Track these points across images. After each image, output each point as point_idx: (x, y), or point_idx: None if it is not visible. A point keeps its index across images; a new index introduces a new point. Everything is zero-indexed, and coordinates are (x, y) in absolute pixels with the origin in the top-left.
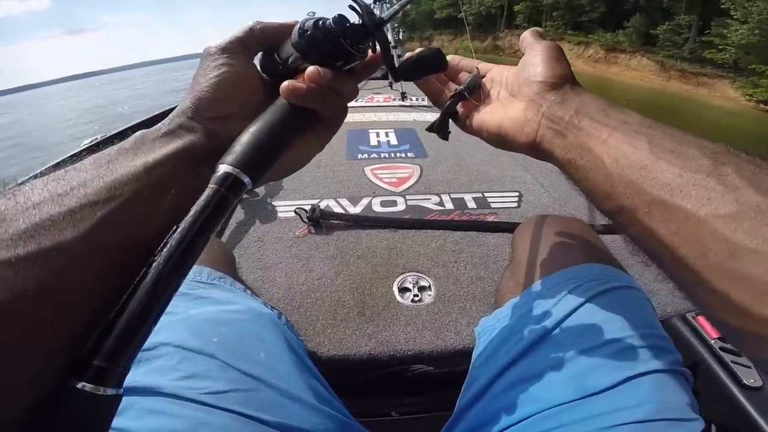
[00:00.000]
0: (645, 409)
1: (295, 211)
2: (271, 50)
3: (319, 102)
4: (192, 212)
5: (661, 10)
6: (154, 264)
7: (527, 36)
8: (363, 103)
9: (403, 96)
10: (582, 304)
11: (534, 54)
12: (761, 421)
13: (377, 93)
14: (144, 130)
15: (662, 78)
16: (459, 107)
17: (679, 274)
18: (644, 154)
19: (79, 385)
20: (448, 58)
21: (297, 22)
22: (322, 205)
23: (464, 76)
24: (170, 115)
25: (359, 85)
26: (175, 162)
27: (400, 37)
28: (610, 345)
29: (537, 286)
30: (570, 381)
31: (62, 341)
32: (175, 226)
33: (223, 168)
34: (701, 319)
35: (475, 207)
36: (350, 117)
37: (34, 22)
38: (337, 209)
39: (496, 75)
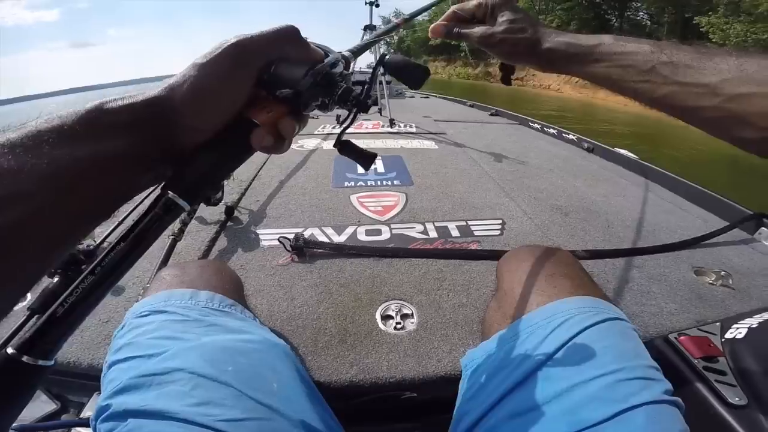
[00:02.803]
0: None
1: (278, 240)
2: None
3: (274, 148)
4: (135, 228)
5: (644, 34)
6: (99, 265)
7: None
8: (351, 130)
9: (392, 123)
10: (571, 338)
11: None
12: None
13: (366, 119)
14: (104, 105)
15: None
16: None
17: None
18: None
19: (10, 351)
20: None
21: (322, 59)
22: (307, 233)
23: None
24: (141, 101)
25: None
26: (123, 159)
27: None
28: (602, 378)
29: (524, 318)
30: (563, 416)
31: None
32: (112, 230)
33: (169, 194)
34: (684, 340)
35: (459, 235)
36: None
37: (42, 33)
38: (322, 238)
39: None
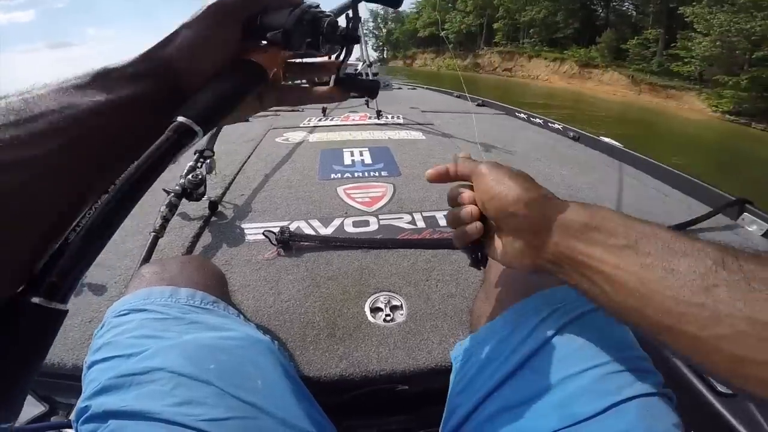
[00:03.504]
0: None
1: (263, 234)
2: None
3: (281, 80)
4: (148, 151)
5: (630, 25)
6: (109, 192)
7: (463, 166)
8: (338, 122)
9: (379, 114)
10: (561, 329)
11: (483, 181)
12: (739, 427)
13: (353, 111)
14: (108, 66)
15: (634, 92)
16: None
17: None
18: (637, 281)
19: (32, 299)
20: (449, 166)
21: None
22: (293, 226)
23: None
24: (139, 56)
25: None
26: (137, 105)
27: (384, 55)
28: (593, 370)
29: (513, 309)
30: (555, 409)
31: (12, 253)
32: (131, 163)
33: (180, 119)
34: None
35: (447, 225)
36: (325, 136)
37: (17, 34)
38: (308, 230)
39: (476, 197)
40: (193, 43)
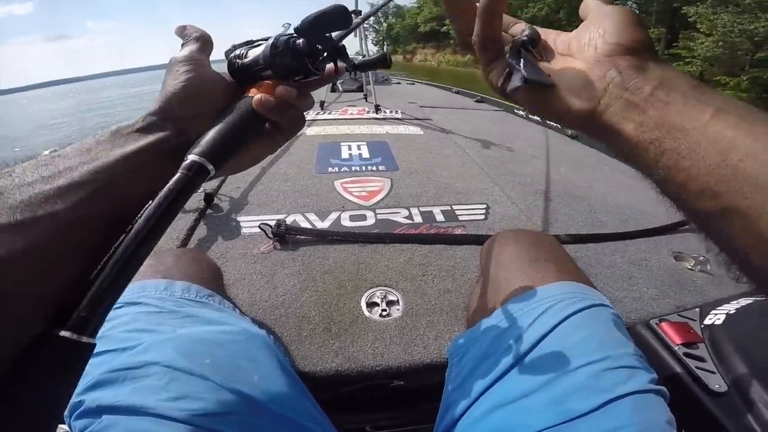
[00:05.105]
0: (626, 431)
1: (259, 227)
2: (233, 53)
3: (282, 114)
4: (164, 191)
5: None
6: (131, 232)
7: (592, 1)
8: (336, 116)
9: (377, 108)
10: (556, 325)
11: (603, 15)
12: (730, 427)
13: (351, 105)
14: (119, 125)
15: None
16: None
17: None
18: None
19: (61, 333)
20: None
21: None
22: (289, 220)
23: (515, 31)
24: (143, 115)
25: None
26: (146, 154)
27: (384, 49)
28: (588, 367)
29: (509, 305)
30: (550, 405)
31: (47, 292)
32: (148, 203)
33: (191, 157)
34: (665, 326)
35: (444, 220)
36: (322, 130)
37: (15, 26)
38: (305, 224)
39: (542, 36)
40: (180, 91)
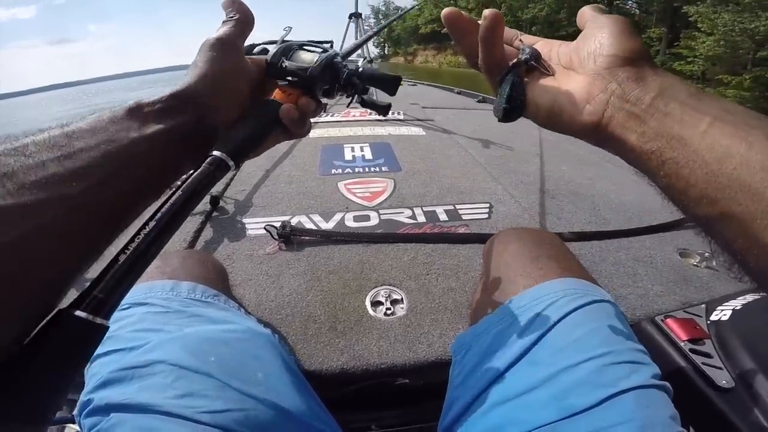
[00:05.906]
0: (629, 426)
1: (265, 228)
2: (279, 49)
3: (299, 124)
4: (189, 181)
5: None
6: (154, 219)
7: (588, 10)
8: (339, 118)
9: None
10: (559, 321)
11: (599, 26)
12: (738, 423)
13: (354, 107)
14: (140, 101)
15: None
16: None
17: None
18: (764, 152)
19: (77, 313)
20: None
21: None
22: (294, 221)
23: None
24: (166, 95)
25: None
26: (165, 137)
27: (386, 51)
28: (590, 362)
29: (512, 302)
30: (552, 401)
31: (58, 273)
32: (173, 190)
33: (216, 153)
34: (670, 322)
35: (447, 219)
36: (325, 132)
37: (18, 30)
38: (309, 225)
39: (544, 48)
40: (209, 76)
